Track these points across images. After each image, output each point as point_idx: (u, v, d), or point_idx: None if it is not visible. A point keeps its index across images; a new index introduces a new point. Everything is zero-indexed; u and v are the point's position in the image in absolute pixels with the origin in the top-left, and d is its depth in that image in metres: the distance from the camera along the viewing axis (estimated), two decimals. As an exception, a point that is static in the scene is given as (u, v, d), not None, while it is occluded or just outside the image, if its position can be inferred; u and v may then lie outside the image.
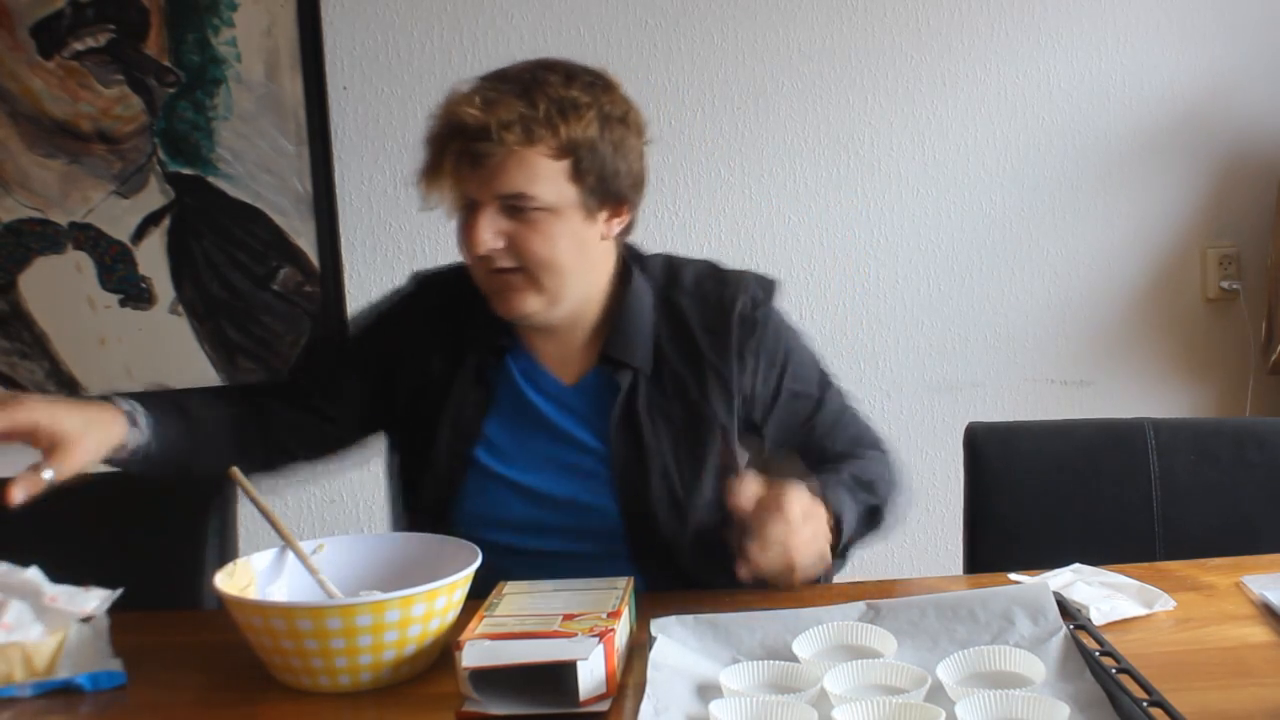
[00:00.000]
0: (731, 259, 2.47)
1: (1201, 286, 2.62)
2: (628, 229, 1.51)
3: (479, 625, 1.16)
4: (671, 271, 1.56)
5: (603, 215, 1.45)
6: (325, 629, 1.14)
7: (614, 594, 1.24)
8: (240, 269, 2.50)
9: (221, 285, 2.50)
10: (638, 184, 1.47)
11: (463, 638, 1.12)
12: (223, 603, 1.20)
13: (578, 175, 1.39)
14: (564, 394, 1.51)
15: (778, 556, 1.26)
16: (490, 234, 1.39)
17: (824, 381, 1.57)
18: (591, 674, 1.08)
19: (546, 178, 1.38)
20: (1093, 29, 2.56)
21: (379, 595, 1.18)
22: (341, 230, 2.51)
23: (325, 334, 1.61)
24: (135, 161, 2.47)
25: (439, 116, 1.41)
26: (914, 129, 2.57)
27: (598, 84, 1.43)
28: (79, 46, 2.44)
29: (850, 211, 2.58)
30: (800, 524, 1.26)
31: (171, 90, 2.45)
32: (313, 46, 2.45)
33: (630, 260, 1.54)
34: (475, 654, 1.09)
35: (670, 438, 1.48)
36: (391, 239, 2.54)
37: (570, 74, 1.42)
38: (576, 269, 1.44)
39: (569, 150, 1.38)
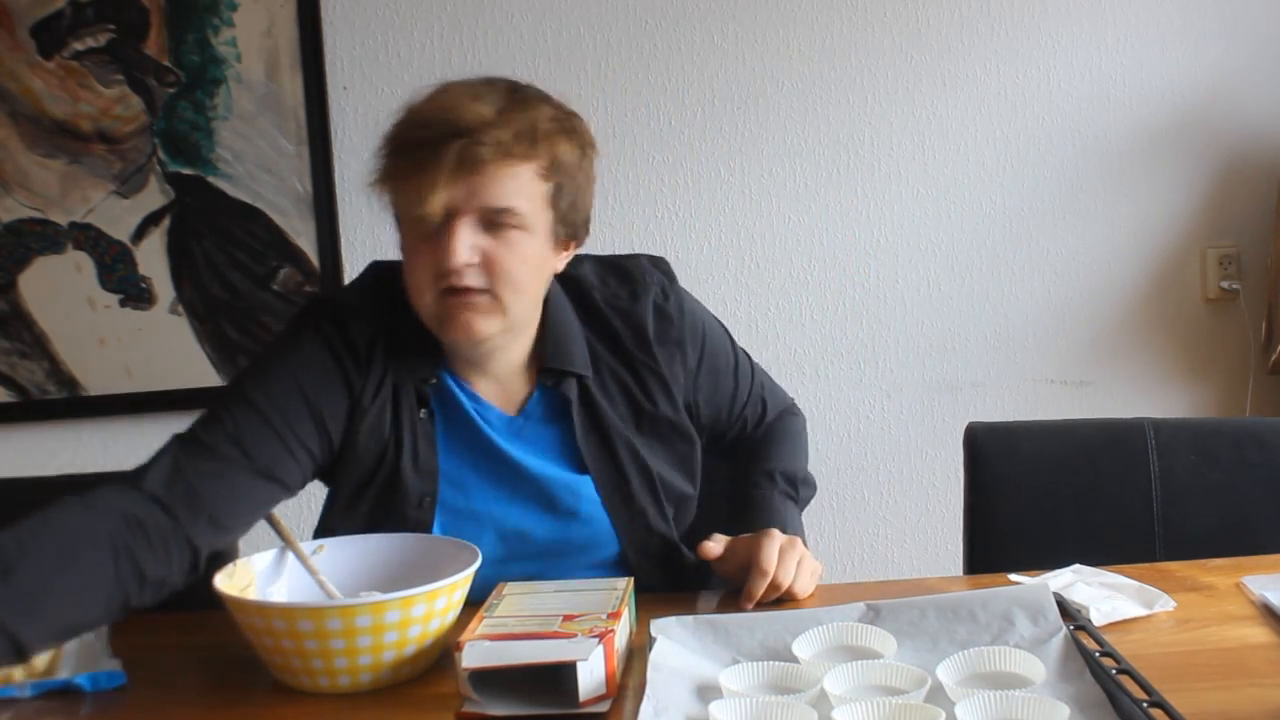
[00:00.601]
0: (732, 259, 2.47)
1: (1201, 286, 2.62)
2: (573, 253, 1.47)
3: (479, 626, 1.16)
4: (574, 271, 1.49)
5: (560, 245, 1.40)
6: (325, 629, 1.14)
7: (614, 594, 1.24)
8: (240, 269, 2.50)
9: (221, 285, 2.50)
10: (588, 223, 1.43)
11: (463, 638, 1.12)
12: (223, 603, 1.20)
13: (555, 200, 1.35)
14: (512, 425, 1.44)
15: (769, 596, 1.34)
16: (467, 247, 1.31)
17: (735, 351, 1.59)
18: (591, 674, 1.08)
19: (531, 196, 1.33)
20: (1093, 29, 2.56)
21: (379, 595, 1.18)
22: (341, 230, 2.51)
23: (253, 398, 1.35)
24: (135, 161, 2.47)
25: (435, 112, 1.32)
26: (914, 129, 2.57)
27: (571, 113, 1.39)
28: (79, 46, 2.44)
29: (850, 211, 2.58)
30: (778, 567, 1.34)
31: (171, 90, 2.45)
32: (313, 46, 2.45)
33: None
34: (475, 655, 1.09)
35: (631, 435, 1.46)
36: (391, 239, 2.50)
37: (545, 98, 1.37)
38: (534, 295, 1.40)
39: (554, 172, 1.34)
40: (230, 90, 2.45)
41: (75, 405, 2.52)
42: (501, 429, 1.44)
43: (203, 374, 2.50)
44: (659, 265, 1.54)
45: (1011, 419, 1.84)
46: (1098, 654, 1.12)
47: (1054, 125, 2.58)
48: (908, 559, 2.63)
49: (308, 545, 1.35)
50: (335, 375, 1.39)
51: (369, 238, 2.53)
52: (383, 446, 1.40)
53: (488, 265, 1.33)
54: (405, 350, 1.40)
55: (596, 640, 1.10)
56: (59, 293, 2.49)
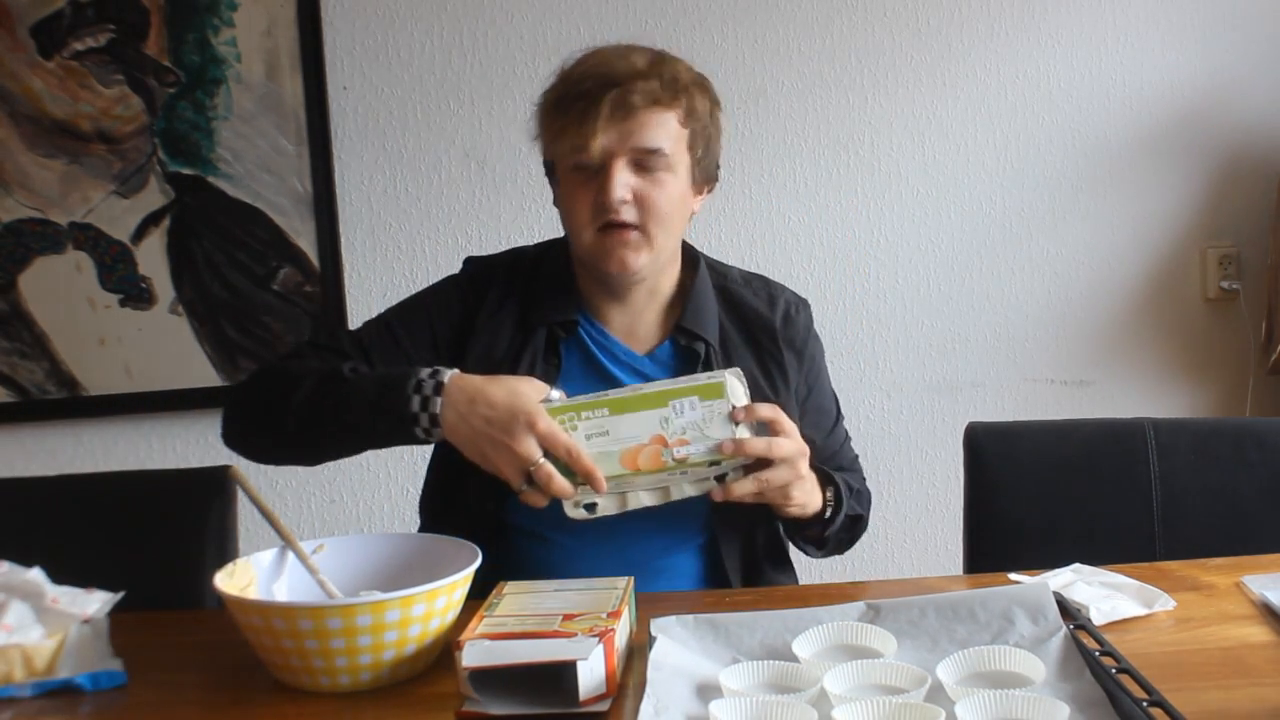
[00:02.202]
0: (731, 259, 2.48)
1: (1201, 286, 2.62)
2: (707, 197, 1.61)
3: (479, 625, 1.16)
4: (721, 265, 1.67)
5: (696, 189, 1.55)
6: (325, 629, 1.14)
7: (614, 594, 1.24)
8: (240, 269, 2.50)
9: (221, 285, 2.50)
10: (718, 170, 1.59)
11: (463, 638, 1.12)
12: (223, 603, 1.20)
13: (693, 144, 1.51)
14: (637, 362, 1.55)
15: (783, 473, 1.38)
16: (623, 185, 1.46)
17: (838, 410, 1.69)
18: (591, 674, 1.08)
19: (675, 139, 1.49)
20: (1093, 29, 2.56)
21: (379, 595, 1.18)
22: (341, 230, 2.51)
23: (389, 319, 1.60)
24: (135, 161, 2.47)
25: (590, 68, 1.48)
26: (914, 129, 2.57)
27: (702, 75, 1.55)
28: (79, 46, 2.44)
29: (850, 211, 2.58)
30: (783, 443, 1.39)
31: (171, 90, 2.45)
32: (313, 46, 2.45)
33: (692, 251, 1.64)
34: (475, 654, 1.09)
35: None
36: (391, 239, 2.54)
37: (681, 60, 1.53)
38: (677, 231, 1.54)
39: (691, 119, 1.50)
40: (230, 90, 2.45)
41: (75, 405, 2.52)
42: (624, 363, 1.56)
43: (203, 374, 2.51)
44: (800, 297, 1.69)
45: (1011, 419, 1.84)
46: (1098, 653, 1.12)
47: (1054, 125, 2.58)
48: (908, 559, 2.63)
49: (308, 545, 1.35)
50: (456, 299, 1.59)
51: (369, 238, 2.53)
52: (493, 368, 1.50)
53: (640, 201, 1.48)
54: (544, 295, 1.57)
55: (597, 639, 1.10)
56: (59, 293, 2.49)
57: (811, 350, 1.65)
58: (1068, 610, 1.22)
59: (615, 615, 1.17)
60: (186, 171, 2.47)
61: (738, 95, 2.54)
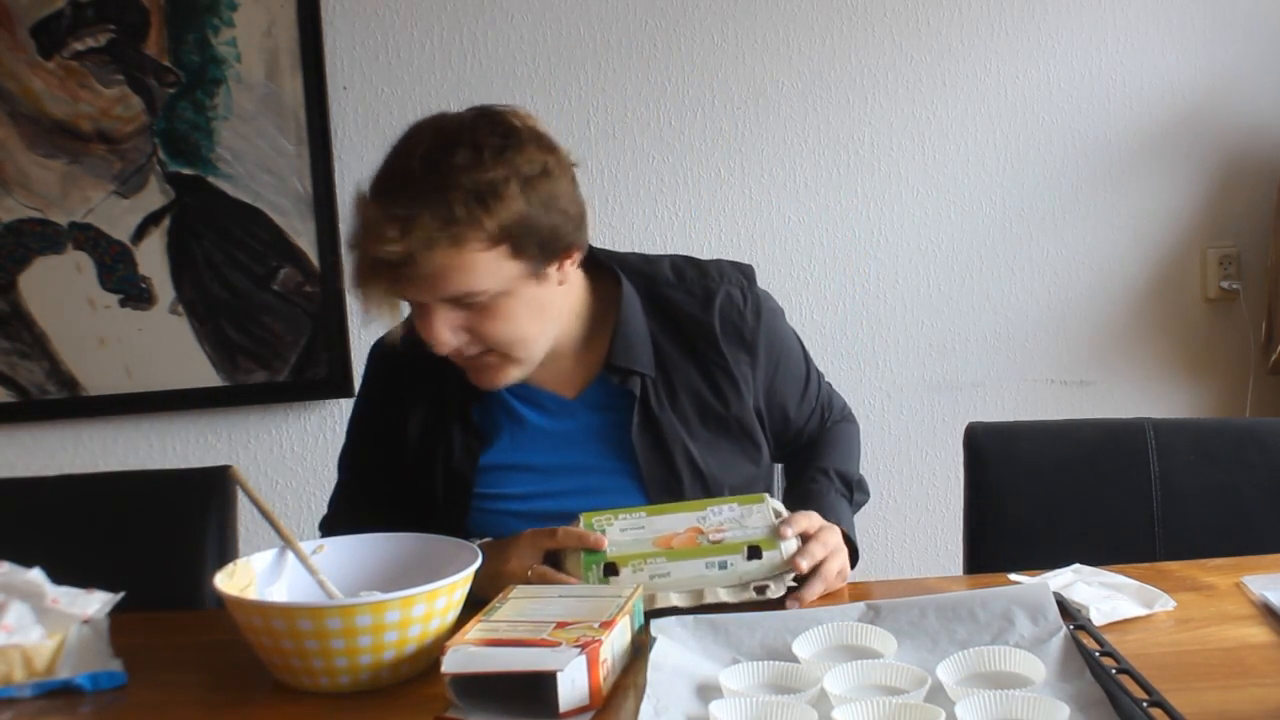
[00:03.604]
0: (732, 259, 2.46)
1: (1201, 286, 2.62)
2: (582, 253, 1.44)
3: (472, 629, 1.15)
4: (649, 266, 1.53)
5: (553, 268, 1.38)
6: (325, 629, 1.14)
7: (614, 602, 1.21)
8: (240, 269, 2.50)
9: (221, 285, 2.50)
10: (579, 223, 1.39)
11: (449, 642, 1.11)
12: (223, 603, 1.20)
13: (517, 252, 1.32)
14: (568, 408, 1.49)
15: (833, 565, 1.37)
16: (448, 332, 1.34)
17: (807, 360, 1.62)
18: (572, 685, 1.06)
19: (486, 269, 1.30)
20: (1093, 29, 2.56)
21: (379, 595, 1.17)
22: (341, 230, 2.50)
23: (357, 458, 1.62)
24: (135, 161, 2.47)
25: (358, 250, 1.32)
26: (914, 129, 2.57)
27: (509, 144, 1.32)
28: (79, 46, 2.44)
29: (850, 211, 2.58)
30: (812, 539, 1.37)
31: (171, 90, 2.45)
32: (313, 46, 2.45)
33: (610, 265, 1.51)
34: (456, 660, 1.08)
35: (688, 431, 1.48)
36: (391, 239, 2.53)
37: (477, 146, 1.30)
38: (543, 329, 1.40)
39: (502, 236, 1.30)
40: (230, 90, 2.45)
41: (75, 405, 2.52)
42: (552, 412, 1.49)
43: (203, 374, 2.51)
44: (740, 269, 1.55)
45: (1011, 419, 1.84)
46: (1098, 654, 1.12)
47: (1054, 125, 2.58)
48: (908, 559, 2.63)
49: (308, 545, 1.35)
50: (380, 400, 1.55)
51: (369, 238, 2.53)
52: (427, 445, 1.49)
53: (476, 336, 1.36)
54: (451, 369, 1.44)
55: (579, 650, 1.07)
56: (59, 293, 2.49)
57: (767, 328, 1.52)
58: (1068, 610, 1.22)
59: (608, 625, 1.14)
60: (186, 171, 2.47)
61: (738, 95, 2.54)
